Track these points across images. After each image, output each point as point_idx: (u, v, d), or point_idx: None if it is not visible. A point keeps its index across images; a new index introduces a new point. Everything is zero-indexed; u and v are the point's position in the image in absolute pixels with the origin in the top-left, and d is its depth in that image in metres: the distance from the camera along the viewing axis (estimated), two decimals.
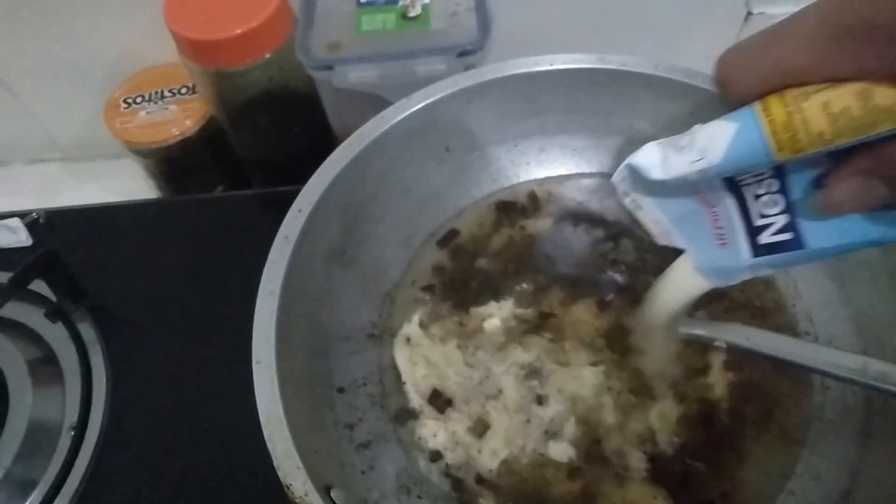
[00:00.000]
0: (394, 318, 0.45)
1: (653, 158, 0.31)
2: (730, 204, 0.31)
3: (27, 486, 0.45)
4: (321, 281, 0.41)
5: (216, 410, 0.47)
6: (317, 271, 0.41)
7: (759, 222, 0.31)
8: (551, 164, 0.49)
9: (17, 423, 0.46)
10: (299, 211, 0.39)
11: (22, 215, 0.57)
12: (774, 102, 0.26)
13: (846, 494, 0.37)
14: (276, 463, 0.32)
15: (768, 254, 0.31)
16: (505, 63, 0.45)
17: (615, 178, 0.35)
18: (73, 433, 0.47)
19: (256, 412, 0.33)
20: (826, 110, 0.24)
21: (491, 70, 0.45)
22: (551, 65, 0.46)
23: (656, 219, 0.35)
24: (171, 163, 0.62)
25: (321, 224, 0.40)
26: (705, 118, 0.29)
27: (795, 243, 0.29)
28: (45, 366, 0.50)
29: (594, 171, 0.50)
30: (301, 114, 0.59)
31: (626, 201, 0.35)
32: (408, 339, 0.44)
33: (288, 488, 0.31)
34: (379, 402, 0.42)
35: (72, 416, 0.48)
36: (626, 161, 0.33)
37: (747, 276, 0.33)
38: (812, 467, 0.38)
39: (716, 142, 0.28)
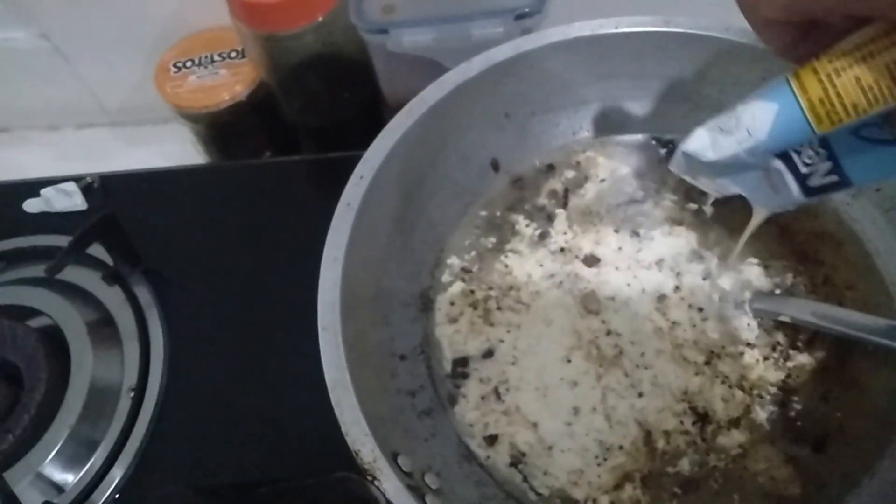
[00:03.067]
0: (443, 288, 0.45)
1: (704, 142, 0.33)
2: (778, 163, 0.34)
3: (91, 445, 0.46)
4: (383, 248, 0.41)
5: (273, 372, 0.47)
6: (379, 238, 0.40)
7: (805, 170, 0.33)
8: (614, 131, 0.48)
9: (80, 383, 0.47)
10: (361, 178, 0.39)
11: (77, 179, 0.57)
12: (809, 78, 0.28)
13: None
14: (344, 429, 0.32)
15: (818, 194, 0.33)
16: (568, 26, 0.44)
17: (672, 165, 0.37)
18: (132, 395, 0.47)
19: (314, 375, 0.34)
20: (859, 84, 0.26)
21: (553, 33, 0.44)
22: (616, 28, 0.44)
23: (713, 183, 0.38)
24: (220, 128, 0.62)
25: (382, 191, 0.40)
26: None
27: (842, 183, 0.32)
28: (103, 328, 0.50)
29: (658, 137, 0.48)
30: (352, 79, 0.59)
31: (685, 177, 0.38)
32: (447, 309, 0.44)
33: (357, 454, 0.32)
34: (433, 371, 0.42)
35: (131, 378, 0.48)
36: (680, 148, 0.35)
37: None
38: None
39: (759, 122, 0.30)
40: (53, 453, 0.45)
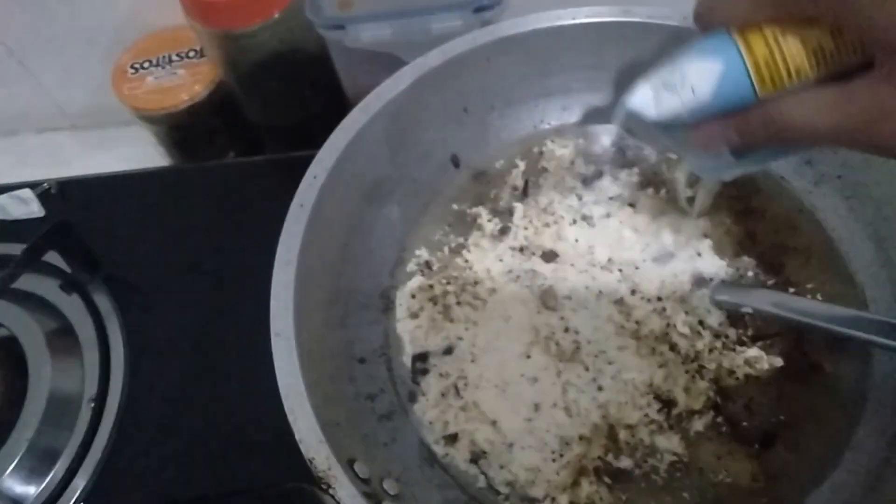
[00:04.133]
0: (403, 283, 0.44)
1: (647, 99, 0.33)
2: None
3: (51, 457, 0.45)
4: (339, 249, 0.40)
5: (235, 380, 0.46)
6: (335, 239, 0.40)
7: None
8: (574, 122, 0.47)
9: (38, 395, 0.46)
10: (314, 177, 0.38)
11: (33, 185, 0.56)
12: (755, 38, 0.28)
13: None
14: (298, 437, 0.31)
15: (751, 162, 0.34)
16: (525, 18, 0.44)
17: (613, 120, 0.36)
18: (93, 405, 0.46)
19: (276, 380, 0.33)
20: (804, 46, 0.27)
21: (510, 26, 0.43)
22: (574, 19, 0.44)
23: (653, 141, 0.39)
24: (180, 129, 0.61)
25: (337, 190, 0.39)
26: None
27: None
28: (62, 338, 0.49)
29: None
30: (313, 76, 0.58)
31: (624, 130, 0.37)
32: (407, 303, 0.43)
33: (311, 462, 0.31)
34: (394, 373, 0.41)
35: (91, 388, 0.47)
36: (622, 103, 0.34)
37: (735, 175, 0.36)
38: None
39: (704, 80, 0.30)
40: (12, 467, 0.44)
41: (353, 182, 0.41)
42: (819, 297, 0.41)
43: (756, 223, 0.43)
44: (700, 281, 0.41)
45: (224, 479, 0.42)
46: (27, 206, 0.55)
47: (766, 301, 0.39)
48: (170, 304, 0.51)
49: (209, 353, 0.48)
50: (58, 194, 0.56)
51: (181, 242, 0.54)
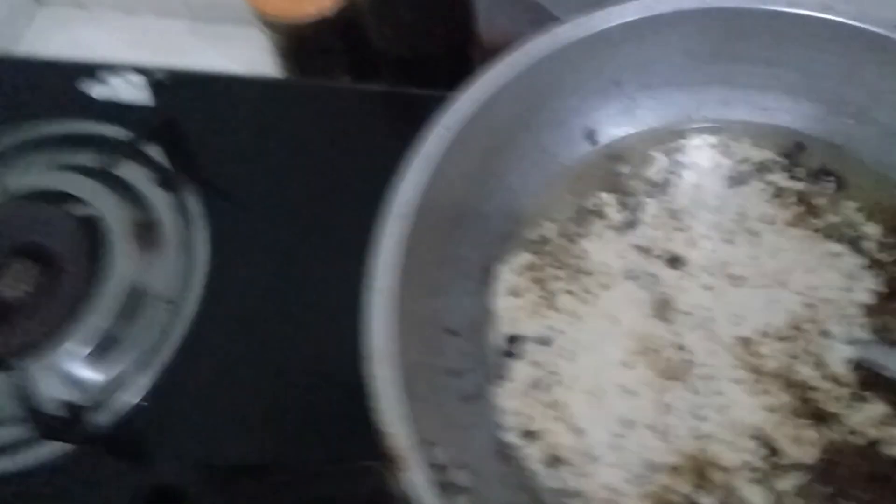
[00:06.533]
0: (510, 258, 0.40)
1: None
2: None
3: (121, 349, 0.44)
4: (454, 210, 0.37)
5: (311, 307, 0.44)
6: (451, 199, 0.36)
7: None
8: (731, 119, 0.42)
9: (118, 284, 0.45)
10: (446, 129, 0.35)
11: (146, 72, 0.55)
12: None
13: None
14: (378, 407, 0.29)
15: None
16: None
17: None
18: (169, 307, 0.46)
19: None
20: None
21: None
22: (763, 4, 0.38)
23: None
24: (300, 42, 0.58)
25: (465, 146, 0.36)
26: None
27: None
28: (149, 232, 0.48)
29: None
30: (448, 11, 0.54)
31: None
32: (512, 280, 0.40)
33: (389, 439, 0.29)
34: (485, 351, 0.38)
35: (169, 290, 0.46)
36: None
37: None
38: None
39: None
40: (86, 352, 0.44)
41: (481, 141, 0.37)
42: None
43: None
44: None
45: (284, 436, 0.40)
46: (137, 92, 0.54)
47: None
48: (261, 222, 0.49)
49: (293, 285, 0.46)
50: (169, 86, 0.55)
51: (282, 159, 0.52)
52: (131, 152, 0.48)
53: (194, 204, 0.50)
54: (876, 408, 0.35)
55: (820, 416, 0.35)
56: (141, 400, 0.43)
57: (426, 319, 0.35)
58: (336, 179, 0.51)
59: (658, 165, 0.41)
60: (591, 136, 0.42)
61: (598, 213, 0.41)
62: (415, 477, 0.28)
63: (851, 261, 0.38)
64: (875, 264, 0.38)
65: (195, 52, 0.67)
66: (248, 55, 0.65)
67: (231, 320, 0.45)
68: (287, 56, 0.61)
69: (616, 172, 0.42)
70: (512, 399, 0.36)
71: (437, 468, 0.29)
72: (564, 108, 0.40)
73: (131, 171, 0.51)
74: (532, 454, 0.35)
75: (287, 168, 0.52)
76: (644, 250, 0.39)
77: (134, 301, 0.46)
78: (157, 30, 0.69)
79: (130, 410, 0.43)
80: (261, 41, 0.61)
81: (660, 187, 0.41)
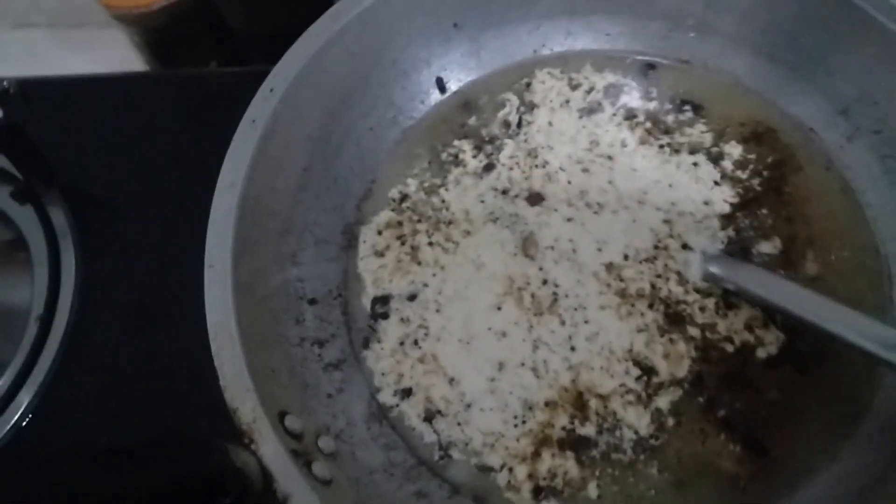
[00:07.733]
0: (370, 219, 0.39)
1: None
2: None
3: None
4: (297, 174, 0.35)
5: (188, 309, 0.43)
6: (292, 163, 0.35)
7: None
8: (578, 49, 0.42)
9: None
10: (271, 90, 0.34)
11: None
12: None
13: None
14: (222, 383, 0.28)
15: None
16: None
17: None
18: (39, 323, 0.44)
19: None
20: None
21: None
22: None
23: None
24: (157, 32, 0.55)
25: (299, 107, 0.35)
26: None
27: None
28: (12, 250, 0.46)
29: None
30: None
31: None
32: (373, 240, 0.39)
33: (234, 413, 0.28)
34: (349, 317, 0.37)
35: (39, 305, 0.44)
36: None
37: None
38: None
39: None
40: None
41: (318, 100, 0.36)
42: (833, 259, 0.36)
43: (779, 183, 0.38)
44: (704, 238, 0.36)
45: (164, 418, 0.39)
46: None
47: (763, 285, 0.33)
48: (129, 223, 0.47)
49: (165, 283, 0.44)
50: (18, 94, 0.52)
51: (149, 157, 0.50)
52: None
53: (57, 213, 0.47)
54: (742, 312, 0.35)
55: (688, 330, 0.34)
56: (22, 419, 0.41)
57: (277, 290, 0.33)
58: (208, 169, 0.49)
59: (510, 106, 0.41)
60: (440, 83, 0.41)
61: (455, 162, 0.40)
62: (264, 447, 0.27)
63: (708, 170, 0.38)
64: (730, 178, 0.38)
65: (58, 60, 0.64)
66: (113, 55, 0.62)
67: (103, 330, 0.44)
68: (150, 50, 0.59)
69: (469, 118, 0.41)
70: (382, 360, 0.35)
71: (291, 437, 0.28)
72: (406, 58, 0.39)
73: None
74: (407, 411, 0.34)
75: (155, 163, 0.49)
76: (503, 192, 0.38)
77: (2, 320, 0.44)
78: (15, 40, 0.66)
79: (13, 431, 0.41)
80: (123, 40, 0.59)
81: (513, 128, 0.40)
